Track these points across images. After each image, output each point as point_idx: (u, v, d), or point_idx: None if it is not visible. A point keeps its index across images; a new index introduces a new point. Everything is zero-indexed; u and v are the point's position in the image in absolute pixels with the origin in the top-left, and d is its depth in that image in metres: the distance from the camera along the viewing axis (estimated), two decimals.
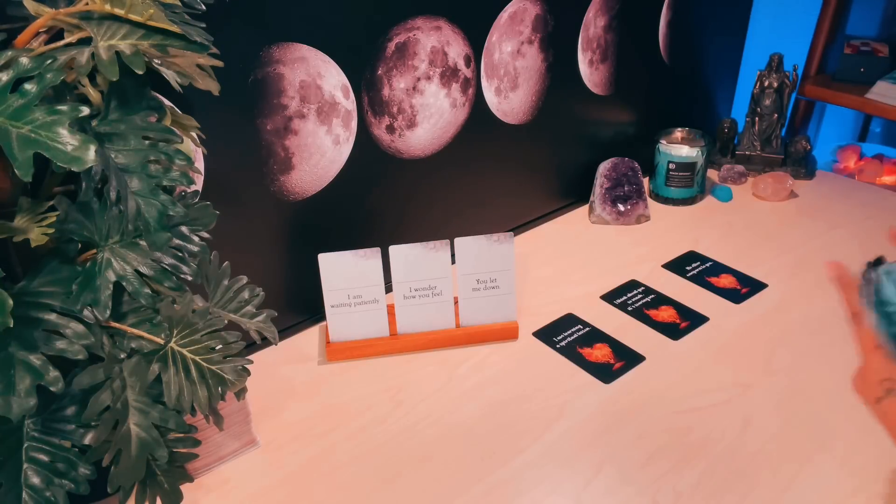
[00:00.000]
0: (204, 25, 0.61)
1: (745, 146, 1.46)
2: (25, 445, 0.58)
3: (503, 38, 1.08)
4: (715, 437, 0.83)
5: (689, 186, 1.35)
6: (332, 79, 0.92)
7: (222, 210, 0.73)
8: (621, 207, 1.29)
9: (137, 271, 0.61)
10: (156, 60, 0.59)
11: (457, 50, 1.03)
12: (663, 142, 1.34)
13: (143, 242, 0.61)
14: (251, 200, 0.92)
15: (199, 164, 0.84)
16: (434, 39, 1.00)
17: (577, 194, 1.36)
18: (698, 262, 1.18)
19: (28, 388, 0.53)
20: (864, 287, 0.67)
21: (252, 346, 0.91)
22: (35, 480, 0.58)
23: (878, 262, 0.68)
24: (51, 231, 0.56)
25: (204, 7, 0.65)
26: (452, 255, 0.95)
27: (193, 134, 0.69)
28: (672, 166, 1.33)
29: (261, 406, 0.87)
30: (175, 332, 0.63)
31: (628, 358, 0.97)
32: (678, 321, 1.04)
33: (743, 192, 1.40)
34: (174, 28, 0.56)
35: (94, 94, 0.57)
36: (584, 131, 1.31)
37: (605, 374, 0.94)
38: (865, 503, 0.74)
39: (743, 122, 1.48)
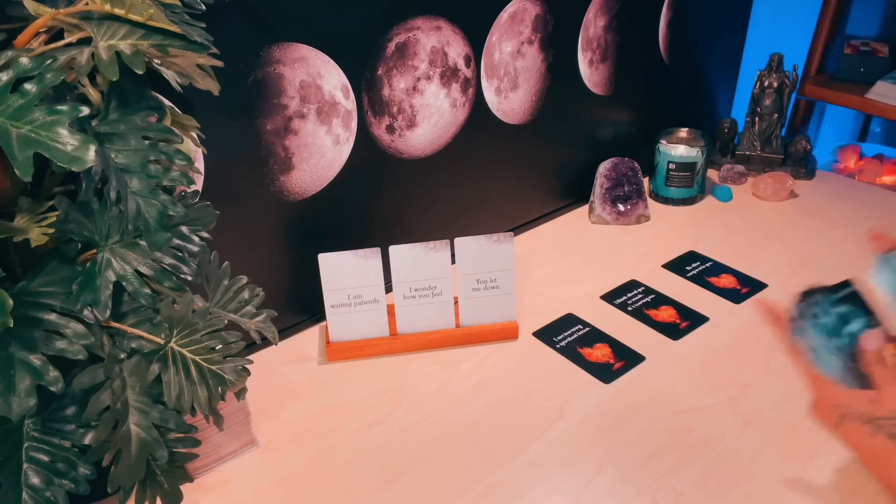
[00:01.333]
0: (204, 25, 0.61)
1: (745, 146, 1.46)
2: (25, 445, 0.58)
3: (503, 38, 1.08)
4: (715, 437, 0.83)
5: (689, 186, 1.35)
6: (332, 79, 0.92)
7: (222, 210, 0.73)
8: (621, 207, 1.29)
9: (137, 271, 0.61)
10: (156, 60, 0.59)
11: (457, 50, 1.03)
12: (663, 142, 1.34)
13: (143, 242, 0.61)
14: (251, 200, 0.92)
15: (199, 164, 0.84)
16: (434, 39, 1.00)
17: (577, 194, 1.36)
18: (698, 262, 1.18)
19: (28, 388, 0.53)
20: (796, 321, 0.69)
21: (252, 346, 0.91)
22: (35, 480, 0.58)
23: (808, 294, 0.70)
24: (51, 231, 0.56)
25: (204, 7, 0.65)
26: (452, 255, 0.95)
27: (193, 134, 0.69)
28: (672, 166, 1.33)
29: (261, 406, 0.87)
30: (175, 332, 0.63)
31: (628, 358, 0.97)
32: (678, 321, 1.04)
33: (743, 192, 1.40)
34: (174, 28, 0.56)
35: (94, 94, 0.57)
36: (584, 131, 1.31)
37: (605, 374, 0.94)
38: (866, 503, 0.74)
39: (743, 122, 1.48)
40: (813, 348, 0.69)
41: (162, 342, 0.62)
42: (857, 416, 0.66)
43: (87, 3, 0.55)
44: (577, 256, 1.21)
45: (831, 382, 0.68)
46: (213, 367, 0.64)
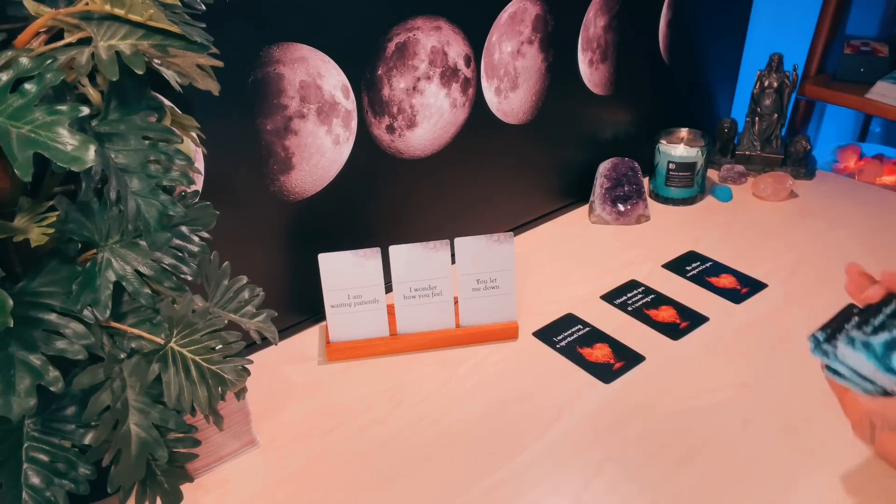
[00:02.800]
0: (204, 25, 0.61)
1: (745, 146, 1.46)
2: (25, 445, 0.58)
3: (503, 38, 1.08)
4: (715, 437, 0.83)
5: (689, 186, 1.35)
6: (332, 79, 0.92)
7: (222, 210, 0.73)
8: (621, 207, 1.29)
9: (137, 271, 0.61)
10: (156, 60, 0.59)
11: (457, 50, 1.03)
12: (663, 142, 1.34)
13: (143, 242, 0.61)
14: (251, 200, 0.92)
15: (199, 164, 0.84)
16: (434, 39, 1.00)
17: (577, 194, 1.36)
18: (698, 262, 1.18)
19: (28, 388, 0.53)
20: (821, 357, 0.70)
21: (252, 346, 0.91)
22: (35, 480, 0.58)
23: (823, 336, 0.70)
24: (51, 231, 0.56)
25: (204, 7, 0.65)
26: (452, 255, 0.95)
27: (193, 134, 0.69)
28: (672, 166, 1.33)
29: (261, 406, 0.87)
30: (175, 332, 0.63)
31: (628, 358, 0.97)
32: (678, 321, 1.04)
33: (743, 192, 1.40)
34: (174, 28, 0.56)
35: (94, 94, 0.57)
36: (584, 131, 1.31)
37: (605, 374, 0.94)
38: (865, 502, 0.74)
39: (743, 122, 1.48)
40: (833, 370, 0.68)
41: (162, 342, 0.62)
42: (886, 425, 0.65)
43: (87, 3, 0.55)
44: (577, 256, 1.21)
45: (858, 395, 0.67)
46: (213, 367, 0.64)
